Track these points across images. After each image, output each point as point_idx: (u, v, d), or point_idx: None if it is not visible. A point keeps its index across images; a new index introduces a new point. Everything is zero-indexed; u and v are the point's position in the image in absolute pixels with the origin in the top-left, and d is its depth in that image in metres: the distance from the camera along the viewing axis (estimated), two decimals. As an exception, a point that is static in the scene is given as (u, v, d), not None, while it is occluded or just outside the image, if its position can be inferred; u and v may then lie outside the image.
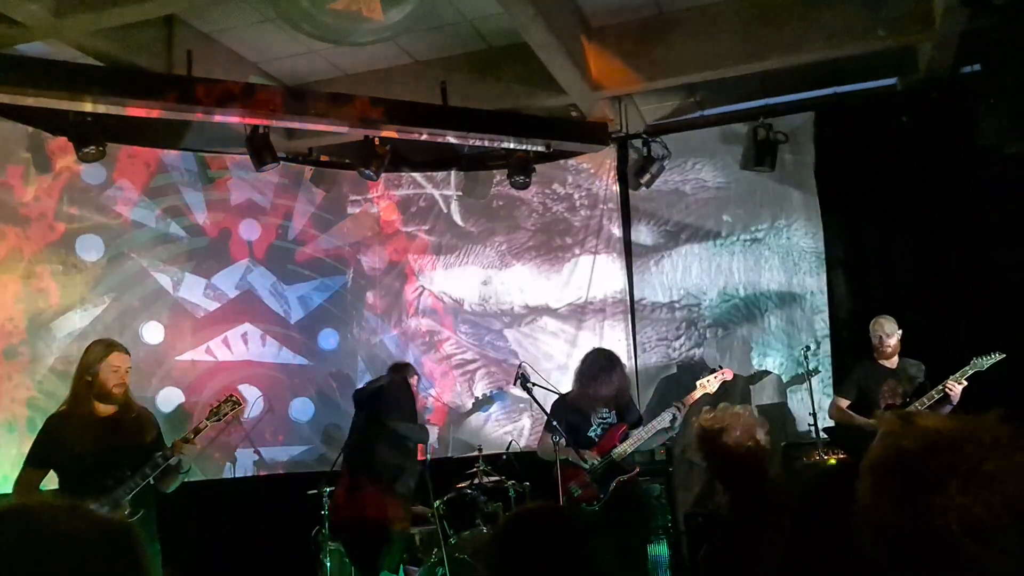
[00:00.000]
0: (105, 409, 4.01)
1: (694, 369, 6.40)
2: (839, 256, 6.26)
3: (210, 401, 4.41)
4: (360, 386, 5.65)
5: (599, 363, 5.15)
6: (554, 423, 4.79)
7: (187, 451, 4.01)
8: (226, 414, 4.25)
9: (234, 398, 4.31)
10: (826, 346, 6.16)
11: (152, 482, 3.94)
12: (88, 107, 5.07)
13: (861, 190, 6.14)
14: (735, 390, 5.82)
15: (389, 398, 5.06)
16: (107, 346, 4.10)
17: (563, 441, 4.73)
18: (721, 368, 5.35)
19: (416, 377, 5.72)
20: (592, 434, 5.08)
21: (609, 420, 5.08)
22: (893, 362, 5.42)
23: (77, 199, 5.84)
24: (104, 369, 3.97)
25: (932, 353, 5.43)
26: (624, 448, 4.98)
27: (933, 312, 5.77)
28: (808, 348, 5.82)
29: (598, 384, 5.04)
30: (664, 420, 4.99)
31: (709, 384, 5.18)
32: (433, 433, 6.81)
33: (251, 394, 6.32)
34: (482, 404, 6.83)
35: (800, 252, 6.35)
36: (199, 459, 5.97)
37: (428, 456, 5.40)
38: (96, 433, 3.93)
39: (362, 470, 4.87)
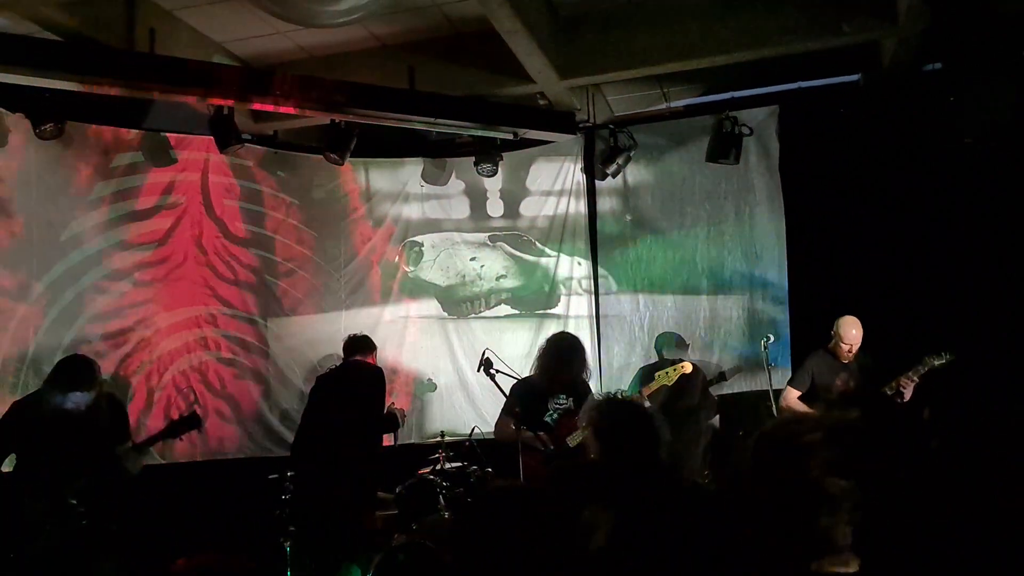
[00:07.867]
0: None
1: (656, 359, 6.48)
2: (801, 249, 6.34)
3: (165, 402, 4.65)
4: (324, 372, 5.49)
5: (561, 347, 5.19)
6: (516, 408, 4.80)
7: (131, 459, 4.28)
8: (182, 432, 4.47)
9: (197, 416, 4.53)
10: (786, 337, 6.25)
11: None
12: (46, 83, 4.97)
13: (824, 184, 6.22)
14: (696, 381, 5.86)
15: (357, 387, 4.94)
16: None
17: (522, 425, 4.74)
18: (681, 361, 5.36)
19: (374, 353, 5.51)
20: (548, 419, 5.08)
21: (565, 406, 5.09)
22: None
23: (33, 176, 5.69)
24: None
25: (887, 346, 5.52)
26: (577, 436, 5.02)
27: (891, 306, 5.86)
28: (768, 339, 5.88)
29: (559, 367, 5.06)
30: None
31: (668, 376, 5.18)
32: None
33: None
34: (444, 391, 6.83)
35: (763, 244, 6.44)
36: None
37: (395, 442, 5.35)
38: (57, 423, 4.04)
39: (328, 461, 4.80)
